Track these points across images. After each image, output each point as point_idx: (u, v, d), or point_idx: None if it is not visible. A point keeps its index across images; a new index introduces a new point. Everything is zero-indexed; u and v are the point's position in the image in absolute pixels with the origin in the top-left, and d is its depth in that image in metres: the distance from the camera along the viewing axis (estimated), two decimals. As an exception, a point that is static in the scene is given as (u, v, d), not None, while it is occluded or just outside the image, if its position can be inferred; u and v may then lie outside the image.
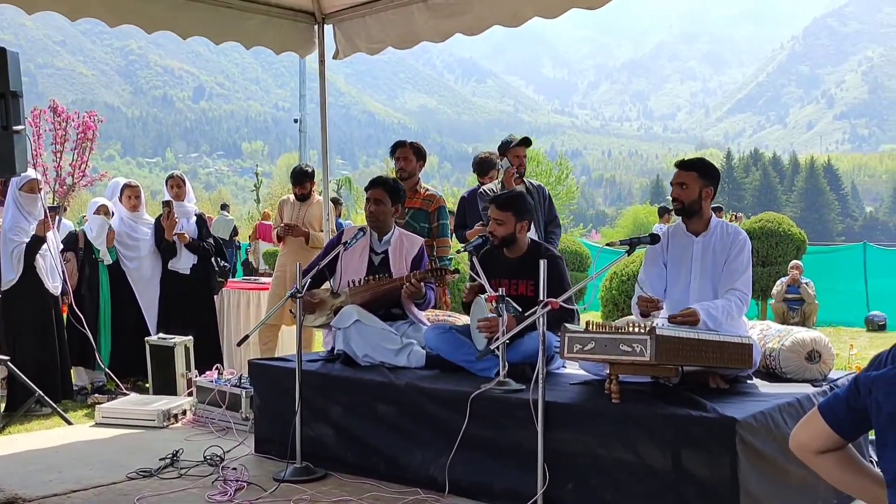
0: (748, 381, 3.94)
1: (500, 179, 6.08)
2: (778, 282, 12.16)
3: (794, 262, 12.19)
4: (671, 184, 4.21)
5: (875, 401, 1.81)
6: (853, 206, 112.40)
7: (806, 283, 11.87)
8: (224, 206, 20.61)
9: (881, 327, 11.79)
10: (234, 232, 18.72)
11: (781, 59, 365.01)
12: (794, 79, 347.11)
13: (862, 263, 13.54)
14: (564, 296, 3.65)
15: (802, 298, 11.85)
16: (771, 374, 4.10)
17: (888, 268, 13.46)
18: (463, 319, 4.89)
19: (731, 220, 15.35)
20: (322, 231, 7.13)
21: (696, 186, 4.08)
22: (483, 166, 6.79)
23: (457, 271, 5.04)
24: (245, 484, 4.14)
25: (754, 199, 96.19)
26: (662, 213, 15.21)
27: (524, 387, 3.78)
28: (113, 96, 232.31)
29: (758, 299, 12.95)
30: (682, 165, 4.19)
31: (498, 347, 3.86)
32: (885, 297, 12.57)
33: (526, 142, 6.14)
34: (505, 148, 6.09)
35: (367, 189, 5.23)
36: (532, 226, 5.41)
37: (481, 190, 6.20)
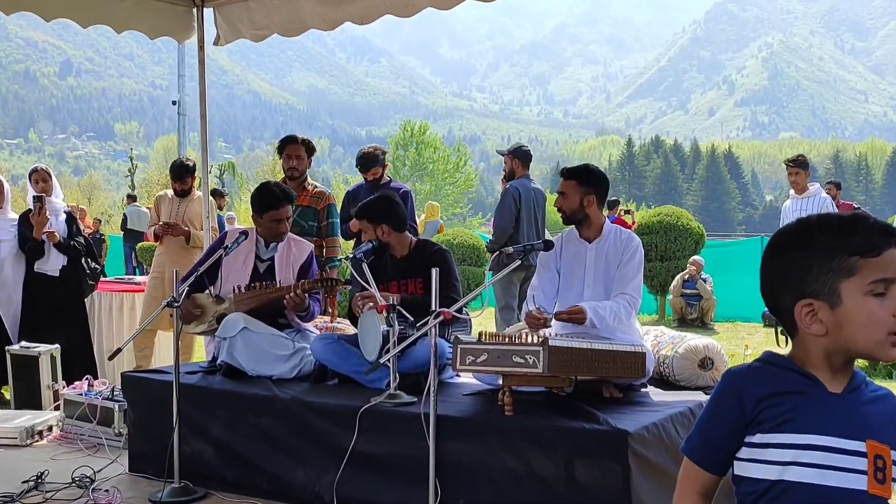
0: (642, 389, 4.09)
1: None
2: (676, 277, 12.56)
3: (694, 258, 12.60)
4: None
5: None
6: (754, 195, 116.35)
7: (704, 279, 12.29)
8: (131, 197, 19.93)
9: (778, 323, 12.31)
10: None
11: (683, 43, 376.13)
12: (696, 64, 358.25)
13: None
14: (456, 306, 3.71)
15: (700, 294, 12.27)
16: (664, 381, 4.27)
17: (786, 262, 13.98)
18: (352, 329, 4.89)
19: (623, 213, 15.78)
20: (203, 229, 7.00)
21: (577, 195, 4.25)
22: (366, 161, 6.75)
23: (348, 282, 5.05)
24: (118, 507, 4.08)
25: (655, 188, 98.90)
26: (612, 205, 15.71)
27: (416, 399, 3.82)
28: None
29: (656, 294, 13.36)
30: (563, 174, 4.37)
31: (388, 360, 3.89)
32: (782, 293, 13.07)
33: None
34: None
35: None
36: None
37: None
